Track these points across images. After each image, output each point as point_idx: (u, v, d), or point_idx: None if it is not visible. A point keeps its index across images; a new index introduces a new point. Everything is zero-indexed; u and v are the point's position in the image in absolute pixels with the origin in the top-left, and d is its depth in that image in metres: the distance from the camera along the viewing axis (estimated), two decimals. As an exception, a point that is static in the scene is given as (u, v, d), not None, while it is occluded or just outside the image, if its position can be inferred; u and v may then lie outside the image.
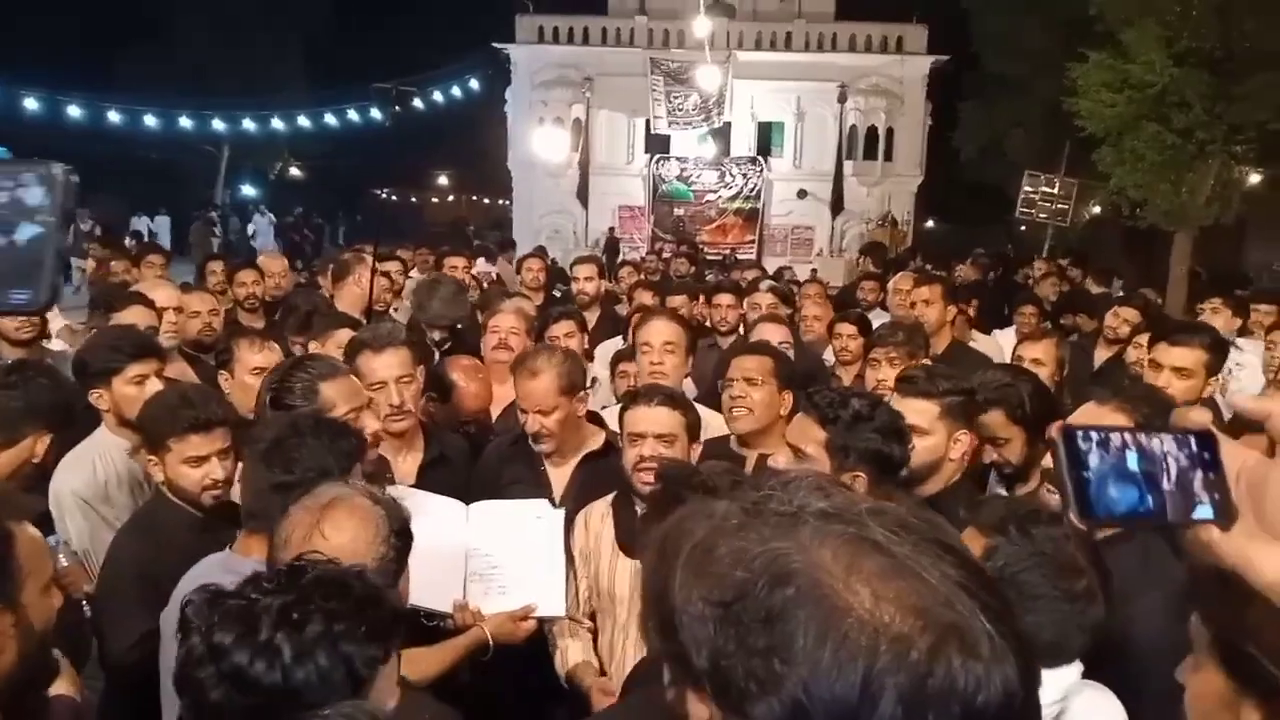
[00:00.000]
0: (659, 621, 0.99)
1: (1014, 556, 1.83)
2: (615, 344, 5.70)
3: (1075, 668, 1.83)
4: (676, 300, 6.61)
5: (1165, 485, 0.92)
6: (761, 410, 3.43)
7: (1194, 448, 0.96)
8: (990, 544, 1.86)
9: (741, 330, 5.89)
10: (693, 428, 2.99)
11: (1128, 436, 0.95)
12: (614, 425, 3.43)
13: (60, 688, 2.08)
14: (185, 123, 24.97)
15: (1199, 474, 0.95)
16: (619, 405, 3.70)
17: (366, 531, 1.97)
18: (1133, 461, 0.93)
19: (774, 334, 4.55)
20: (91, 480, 3.18)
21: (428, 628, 2.68)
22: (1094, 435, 0.93)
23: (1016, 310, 7.18)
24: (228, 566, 2.21)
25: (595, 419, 3.56)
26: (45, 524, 2.81)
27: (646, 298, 6.69)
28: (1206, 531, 0.95)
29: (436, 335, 5.26)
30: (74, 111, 22.98)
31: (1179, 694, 1.42)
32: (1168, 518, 0.91)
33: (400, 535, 2.02)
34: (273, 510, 2.25)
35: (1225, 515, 0.95)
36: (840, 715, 0.74)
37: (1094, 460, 0.92)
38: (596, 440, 3.42)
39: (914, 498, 2.71)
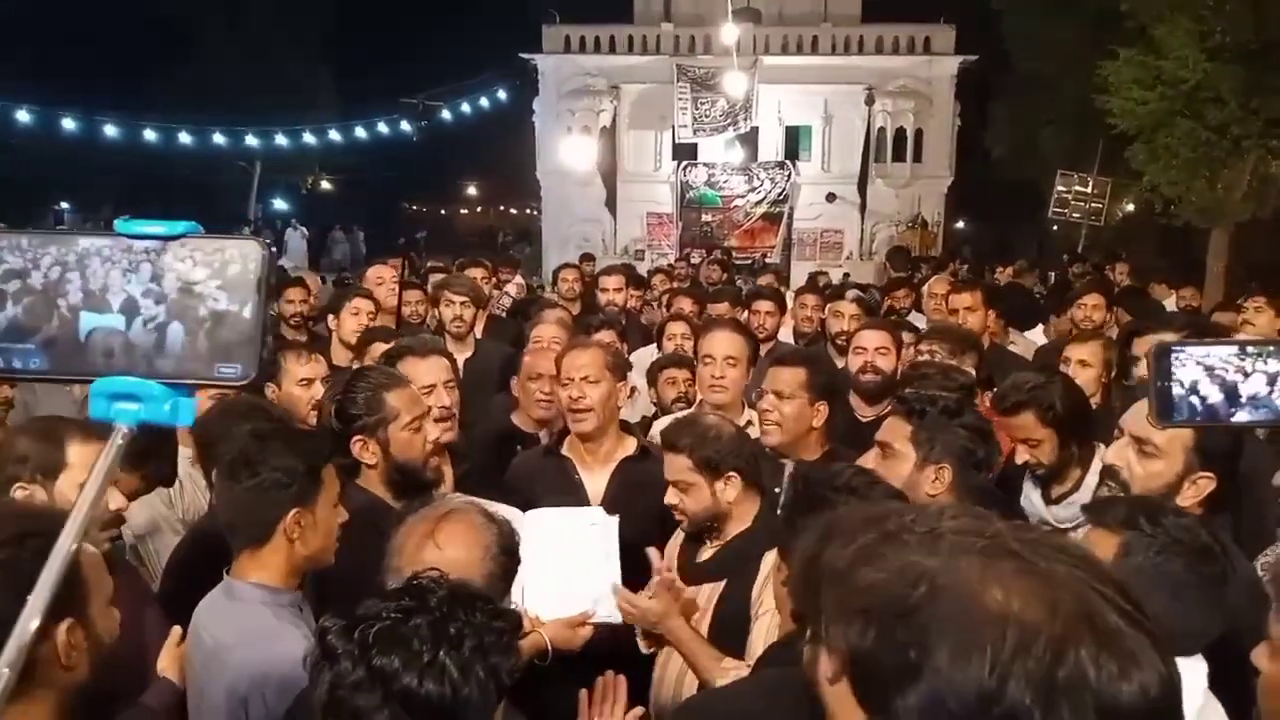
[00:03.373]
0: (805, 590, 1.05)
1: (1152, 547, 1.84)
2: (649, 353, 5.75)
3: (1202, 663, 1.82)
4: (720, 307, 6.61)
5: (1247, 394, 1.02)
6: (791, 424, 3.43)
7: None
8: (1124, 539, 1.87)
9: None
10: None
11: (1220, 352, 1.05)
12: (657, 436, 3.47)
13: (170, 671, 2.15)
14: (219, 139, 25.27)
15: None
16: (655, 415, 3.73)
17: (477, 548, 2.02)
18: (1219, 373, 1.03)
19: (873, 339, 4.41)
20: (169, 494, 3.25)
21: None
22: (1185, 350, 1.04)
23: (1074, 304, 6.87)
24: (230, 593, 2.27)
25: (625, 428, 3.58)
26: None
27: (687, 304, 6.68)
28: None
29: (456, 309, 5.34)
30: (110, 131, 23.34)
31: (1251, 674, 1.45)
32: (1244, 419, 1.02)
33: (508, 554, 2.05)
34: (246, 520, 2.30)
35: None
36: (973, 702, 0.77)
37: (1179, 372, 1.03)
38: (630, 446, 3.44)
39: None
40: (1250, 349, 1.07)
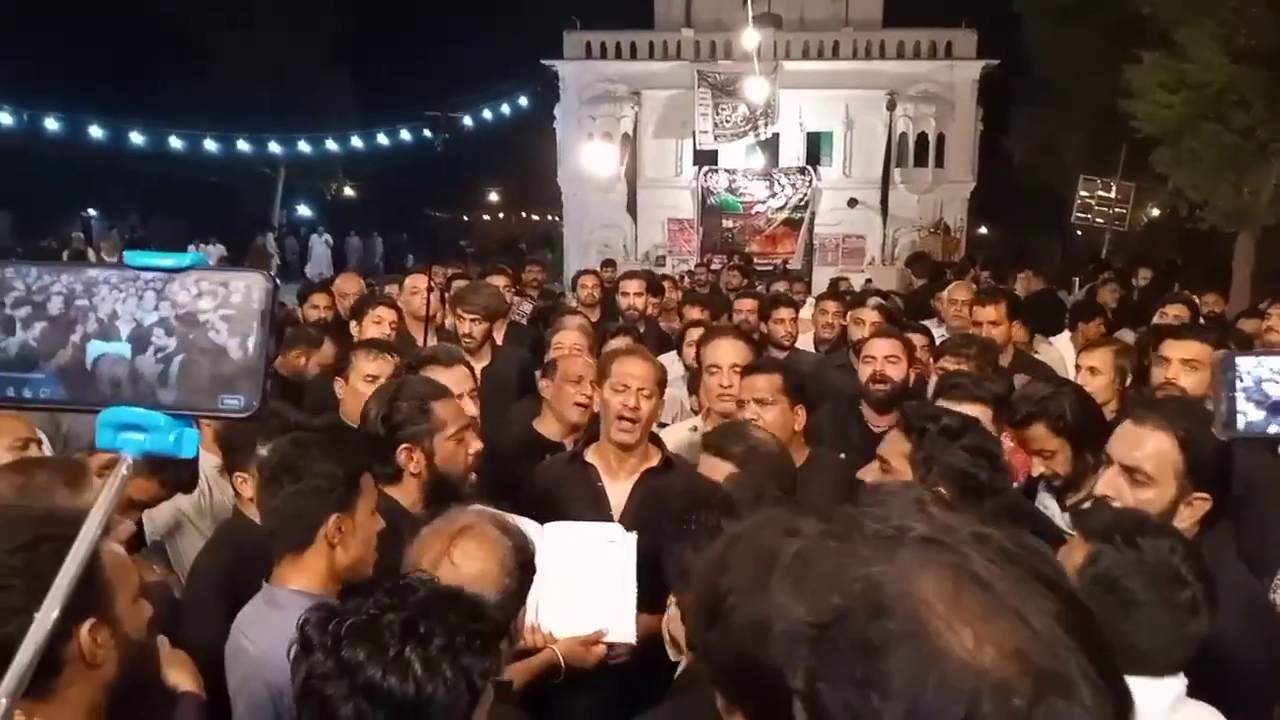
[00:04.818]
0: (706, 623, 1.01)
1: (1116, 563, 1.83)
2: (668, 359, 5.77)
3: (1179, 681, 1.82)
4: (746, 304, 6.66)
5: None
6: (775, 430, 3.37)
7: None
8: (1094, 550, 1.86)
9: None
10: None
11: (1273, 363, 1.03)
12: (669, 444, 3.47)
13: (185, 684, 2.17)
14: (243, 146, 25.51)
15: None
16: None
17: (493, 563, 2.03)
18: (1272, 383, 1.02)
19: (883, 348, 4.37)
20: (193, 497, 3.28)
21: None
22: (1252, 361, 1.02)
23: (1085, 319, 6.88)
24: (270, 599, 2.29)
25: (651, 437, 3.57)
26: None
27: (695, 313, 6.69)
28: None
29: (466, 325, 5.34)
30: (136, 138, 23.60)
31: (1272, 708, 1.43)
32: None
33: (523, 568, 2.06)
34: (288, 526, 2.32)
35: None
36: None
37: (1245, 383, 1.01)
38: (654, 457, 3.42)
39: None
40: None
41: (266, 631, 2.22)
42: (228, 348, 1.01)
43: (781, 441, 3.08)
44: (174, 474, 2.80)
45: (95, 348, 1.02)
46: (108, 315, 1.02)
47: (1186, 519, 2.34)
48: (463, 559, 2.01)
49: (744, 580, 1.13)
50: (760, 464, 2.81)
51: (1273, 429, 1.06)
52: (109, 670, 1.68)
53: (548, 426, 4.02)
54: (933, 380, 4.25)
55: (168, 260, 1.03)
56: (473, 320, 5.27)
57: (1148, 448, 2.37)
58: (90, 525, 0.98)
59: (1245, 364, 1.06)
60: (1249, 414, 1.05)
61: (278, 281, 1.04)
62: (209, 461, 3.34)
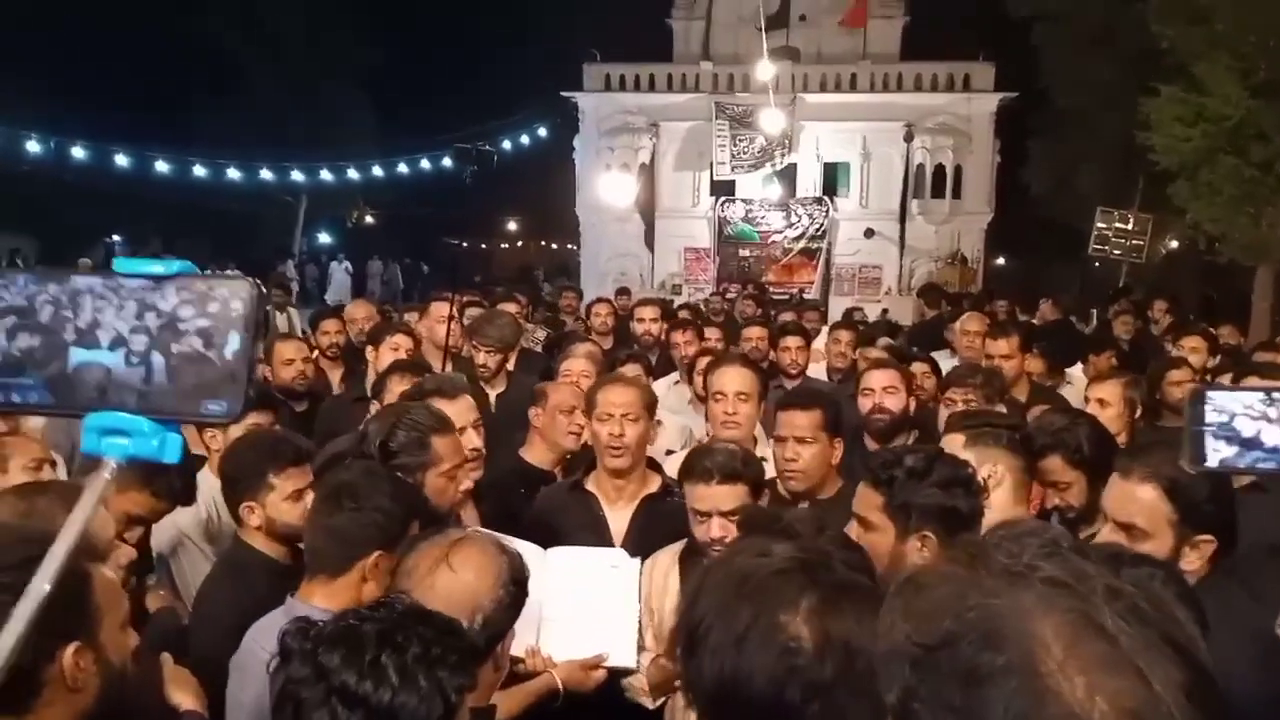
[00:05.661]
0: (687, 652, 1.00)
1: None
2: (666, 383, 5.80)
3: None
4: (755, 332, 6.67)
5: (1271, 442, 1.02)
6: (814, 469, 3.39)
7: None
8: None
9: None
10: (757, 487, 2.96)
11: (1258, 400, 1.04)
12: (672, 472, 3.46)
13: (189, 703, 2.17)
14: (266, 174, 25.79)
15: None
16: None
17: (489, 574, 2.04)
18: (1256, 422, 1.02)
19: (880, 379, 4.41)
20: (197, 516, 3.30)
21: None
22: (1222, 396, 1.03)
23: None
24: (292, 613, 2.27)
25: (652, 464, 3.58)
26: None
27: (680, 337, 6.62)
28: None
29: (482, 356, 5.36)
30: (160, 166, 23.91)
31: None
32: (1269, 468, 1.01)
33: (517, 584, 2.07)
34: (334, 549, 2.33)
35: None
36: None
37: (1214, 418, 1.02)
38: (654, 484, 3.43)
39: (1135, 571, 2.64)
40: (1276, 395, 1.06)
41: None
42: (211, 354, 1.02)
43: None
44: (167, 485, 2.80)
45: (78, 355, 1.04)
46: (92, 323, 1.04)
47: (1195, 561, 2.30)
48: (461, 564, 2.02)
49: (717, 601, 1.14)
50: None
51: (1243, 464, 1.06)
52: (89, 696, 1.67)
53: (535, 455, 3.99)
54: (943, 411, 4.24)
55: (156, 267, 1.04)
56: (488, 352, 5.31)
57: (1136, 503, 2.35)
58: (69, 528, 1.00)
59: (1217, 398, 1.06)
60: (1221, 449, 1.05)
61: (264, 289, 1.05)
62: (217, 484, 3.36)
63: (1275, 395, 1.09)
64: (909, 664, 0.77)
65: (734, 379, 4.05)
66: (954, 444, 2.75)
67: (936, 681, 0.74)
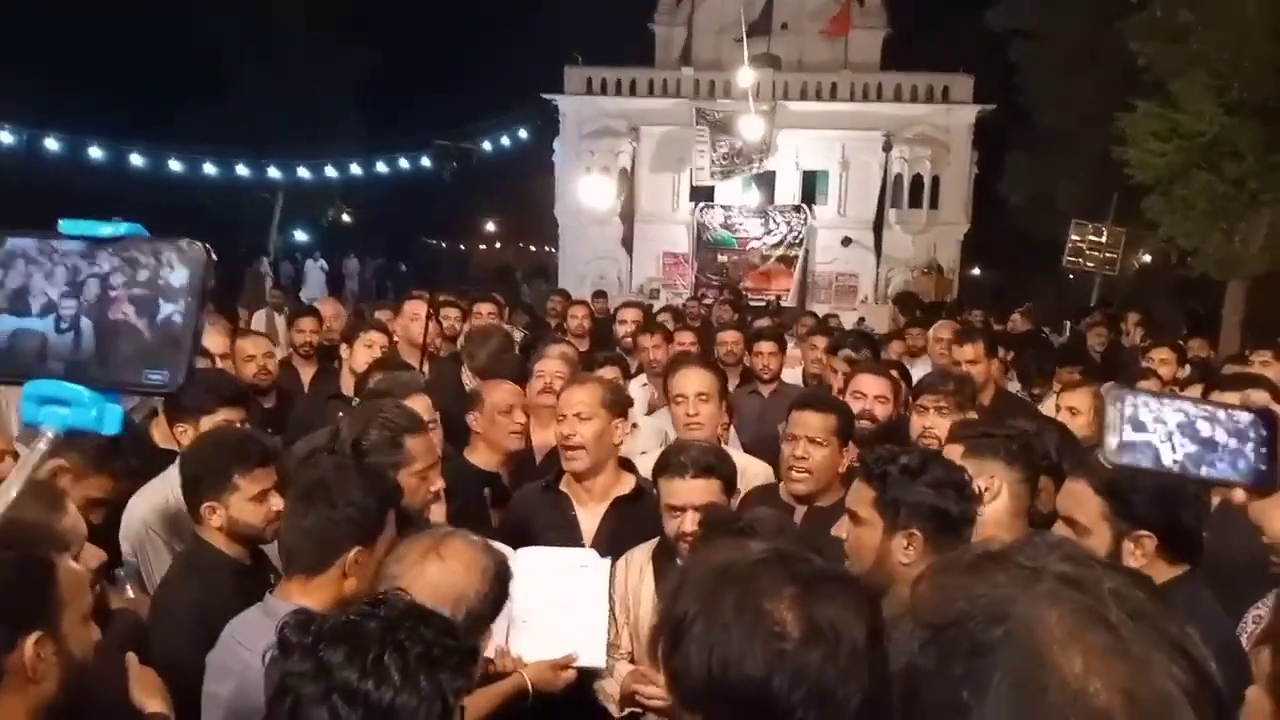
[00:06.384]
0: (671, 648, 1.01)
1: None
2: (638, 383, 5.79)
3: None
4: (730, 336, 6.68)
5: (1181, 449, 1.05)
6: (822, 472, 3.38)
7: (1249, 423, 1.08)
8: None
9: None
10: (730, 484, 2.98)
11: (1174, 403, 1.08)
12: (645, 472, 3.45)
13: (154, 705, 2.14)
14: (243, 170, 25.60)
15: (1248, 444, 1.07)
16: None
17: (477, 568, 2.05)
18: (1172, 423, 1.06)
19: (873, 386, 4.40)
20: (164, 511, 3.23)
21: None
22: (1142, 397, 1.06)
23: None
24: (269, 611, 2.26)
25: (626, 465, 3.56)
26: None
27: (649, 342, 6.61)
28: (1233, 492, 1.13)
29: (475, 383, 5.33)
30: (136, 159, 23.67)
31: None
32: (1190, 473, 1.04)
33: (501, 582, 2.08)
34: (310, 548, 2.31)
35: (1266, 482, 1.09)
36: None
37: (1135, 415, 1.05)
38: (627, 484, 3.41)
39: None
40: (1205, 407, 1.10)
41: (265, 642, 2.20)
42: (156, 320, 0.98)
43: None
44: (124, 465, 2.75)
45: (10, 321, 1.00)
46: (26, 286, 1.00)
47: (1139, 559, 2.34)
48: (451, 555, 2.04)
49: (700, 593, 1.14)
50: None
51: (1145, 464, 1.11)
52: (49, 687, 1.66)
53: (479, 457, 3.94)
54: (915, 419, 4.24)
55: (104, 229, 1.00)
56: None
57: (1073, 498, 2.46)
58: (3, 498, 0.97)
59: (1133, 398, 1.11)
60: (1134, 447, 1.10)
61: (214, 255, 1.01)
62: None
63: (1171, 407, 1.09)
64: (919, 641, 0.80)
65: (694, 380, 4.05)
66: (952, 454, 2.75)
67: (942, 655, 0.77)
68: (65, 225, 1.01)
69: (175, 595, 2.74)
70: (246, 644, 2.22)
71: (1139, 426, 1.08)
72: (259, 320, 8.80)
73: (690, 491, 2.83)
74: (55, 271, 1.00)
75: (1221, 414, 1.14)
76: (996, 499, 2.75)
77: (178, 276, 0.98)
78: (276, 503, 2.75)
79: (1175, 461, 1.09)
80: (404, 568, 2.02)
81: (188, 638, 2.48)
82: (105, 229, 1.01)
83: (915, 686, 0.79)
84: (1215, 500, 2.64)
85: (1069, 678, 0.72)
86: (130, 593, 2.97)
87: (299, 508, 2.35)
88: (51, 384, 0.98)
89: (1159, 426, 1.08)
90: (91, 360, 0.99)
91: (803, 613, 1.20)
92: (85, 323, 0.99)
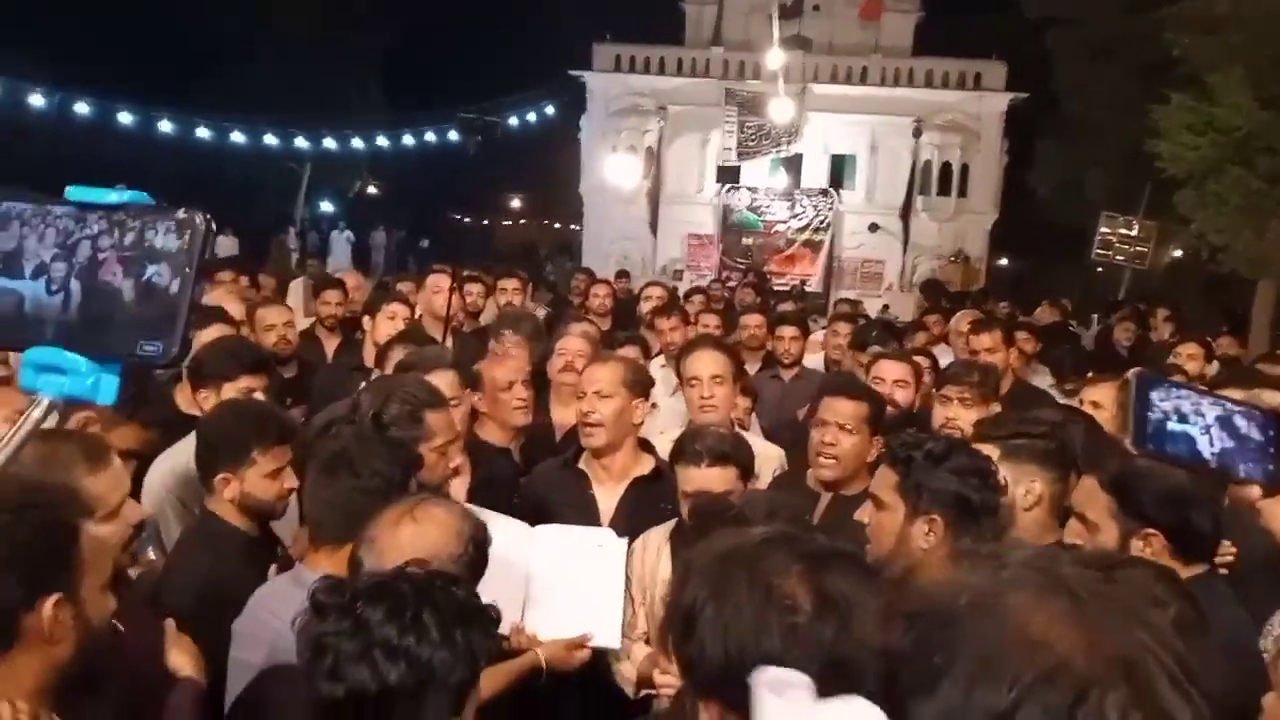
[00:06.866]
0: (682, 636, 1.03)
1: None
2: (656, 364, 5.76)
3: None
4: (753, 319, 6.68)
5: (1220, 443, 1.08)
6: (850, 459, 3.32)
7: (1263, 422, 1.10)
8: None
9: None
10: (747, 471, 2.97)
11: (1197, 396, 1.09)
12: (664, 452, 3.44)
13: (186, 669, 2.17)
14: (270, 140, 25.65)
15: (1261, 444, 1.10)
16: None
17: (452, 531, 2.05)
18: (1195, 416, 1.07)
19: (893, 371, 4.38)
20: (186, 474, 3.24)
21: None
22: (1166, 385, 1.07)
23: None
24: (299, 581, 2.26)
25: (645, 445, 3.54)
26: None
27: (666, 324, 6.59)
28: (1249, 489, 1.16)
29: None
30: (164, 127, 23.76)
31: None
32: (1211, 466, 1.06)
33: (478, 547, 2.09)
34: (337, 519, 2.32)
35: (1276, 481, 1.11)
36: None
37: (1161, 404, 1.06)
38: (646, 465, 3.40)
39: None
40: (1229, 405, 1.11)
41: (294, 610, 2.21)
42: (152, 290, 0.97)
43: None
44: (151, 413, 2.75)
45: (8, 284, 1.00)
46: (20, 251, 0.99)
47: (1147, 556, 2.29)
48: (425, 518, 2.04)
49: (709, 577, 1.15)
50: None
51: (1180, 454, 1.13)
52: (65, 650, 1.67)
53: (489, 434, 3.92)
54: (938, 408, 4.21)
55: (110, 196, 1.00)
56: (516, 344, 5.23)
57: (1083, 493, 2.49)
58: None
59: (1165, 387, 1.12)
60: (1174, 435, 1.11)
61: (213, 225, 1.01)
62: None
63: (1208, 400, 1.11)
64: (900, 631, 0.86)
65: (707, 363, 4.01)
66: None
67: (918, 635, 0.83)
68: (72, 192, 1.01)
69: (187, 566, 2.73)
70: (277, 613, 2.23)
71: (1169, 415, 1.09)
72: (295, 290, 8.77)
73: (705, 480, 2.83)
74: (47, 234, 0.99)
75: (1239, 412, 1.16)
76: (1037, 507, 2.70)
77: (173, 245, 0.98)
78: (290, 480, 2.75)
79: (1213, 454, 1.10)
80: (380, 530, 2.04)
81: (198, 608, 2.49)
82: (111, 196, 1.01)
83: (895, 668, 0.83)
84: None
85: (1033, 634, 0.76)
86: (151, 554, 2.99)
87: (323, 479, 2.37)
88: (51, 351, 0.98)
89: (1198, 419, 1.09)
90: (90, 329, 0.98)
91: (813, 586, 1.22)
92: (75, 284, 0.98)
